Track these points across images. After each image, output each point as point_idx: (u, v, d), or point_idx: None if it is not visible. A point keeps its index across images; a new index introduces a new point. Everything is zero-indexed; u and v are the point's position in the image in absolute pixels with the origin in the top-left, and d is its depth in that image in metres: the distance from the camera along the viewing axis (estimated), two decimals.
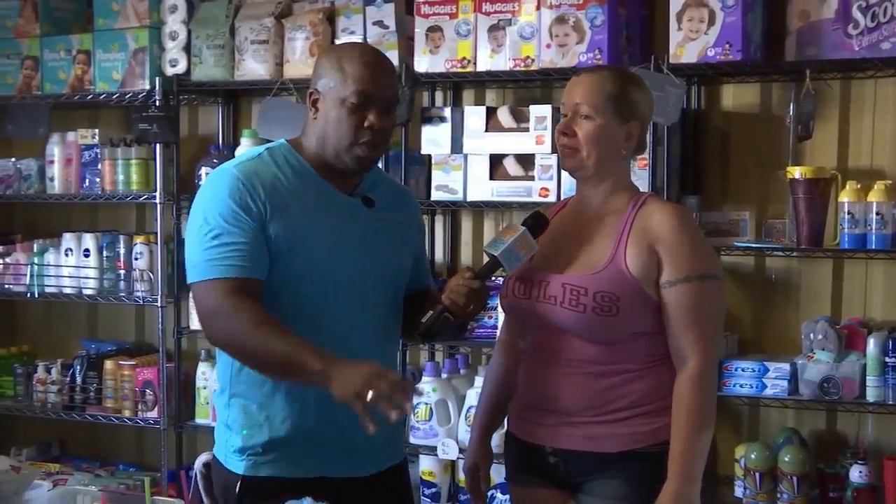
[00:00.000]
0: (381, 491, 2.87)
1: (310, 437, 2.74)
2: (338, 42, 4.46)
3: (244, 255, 2.64)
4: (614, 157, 2.88)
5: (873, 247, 3.87)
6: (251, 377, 2.73)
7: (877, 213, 3.84)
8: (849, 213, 3.88)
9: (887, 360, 3.84)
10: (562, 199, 4.10)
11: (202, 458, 2.77)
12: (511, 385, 3.04)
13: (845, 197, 3.90)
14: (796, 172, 3.94)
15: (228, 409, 2.78)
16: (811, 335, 3.97)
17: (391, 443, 2.93)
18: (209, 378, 4.77)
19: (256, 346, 2.60)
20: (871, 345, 3.87)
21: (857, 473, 3.93)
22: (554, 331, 2.83)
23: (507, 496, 4.27)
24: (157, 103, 4.70)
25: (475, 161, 4.36)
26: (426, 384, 4.40)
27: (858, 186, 3.89)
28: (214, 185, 2.72)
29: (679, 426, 2.74)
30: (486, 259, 2.88)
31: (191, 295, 2.81)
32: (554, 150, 4.17)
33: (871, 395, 3.88)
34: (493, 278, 3.12)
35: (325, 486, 2.72)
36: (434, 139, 4.38)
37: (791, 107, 4.09)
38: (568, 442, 2.85)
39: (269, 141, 4.37)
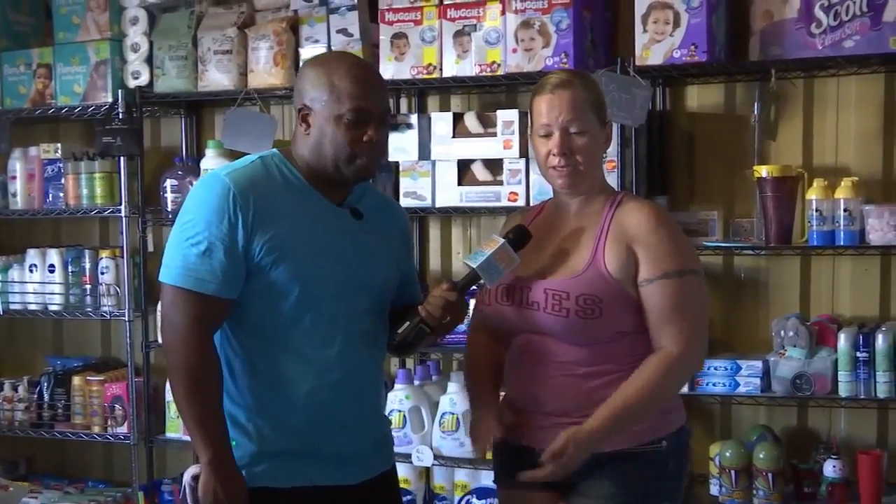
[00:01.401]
0: (372, 498, 2.88)
1: (299, 446, 2.75)
2: (302, 51, 4.46)
3: (220, 274, 2.65)
4: (600, 162, 2.94)
5: (841, 243, 3.91)
6: (239, 386, 2.75)
7: (844, 210, 3.87)
8: (817, 211, 3.90)
9: (858, 355, 3.88)
10: (531, 203, 4.14)
11: (191, 471, 2.76)
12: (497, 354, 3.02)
13: (813, 194, 3.92)
14: (763, 171, 3.97)
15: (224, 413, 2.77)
16: (782, 332, 4.00)
17: (380, 450, 2.94)
18: None
19: (179, 393, 2.70)
20: (842, 340, 3.90)
21: (831, 468, 3.96)
22: (538, 334, 2.84)
23: (483, 502, 4.32)
24: (121, 116, 4.66)
25: (443, 167, 4.36)
26: (399, 391, 4.39)
27: (825, 184, 3.92)
28: (205, 190, 2.71)
29: (630, 390, 2.74)
30: (464, 270, 2.88)
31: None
32: (522, 155, 4.19)
33: (843, 390, 3.91)
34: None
35: (315, 494, 2.75)
36: (401, 146, 4.37)
37: (755, 106, 4.12)
38: None
39: (234, 151, 4.42)
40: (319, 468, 2.78)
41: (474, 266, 2.82)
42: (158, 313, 4.54)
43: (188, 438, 4.64)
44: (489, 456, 3.09)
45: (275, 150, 2.85)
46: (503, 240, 2.84)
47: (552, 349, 2.83)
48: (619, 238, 2.80)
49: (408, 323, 2.82)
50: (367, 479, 2.86)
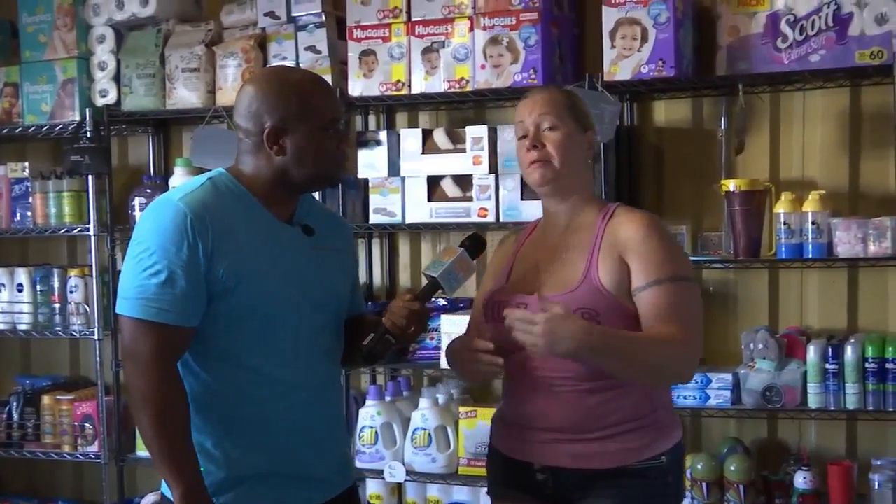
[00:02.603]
0: None
1: (266, 470, 2.73)
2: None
3: (181, 302, 2.59)
4: (581, 165, 2.91)
5: (810, 256, 3.93)
6: (204, 414, 2.70)
7: (812, 223, 3.90)
8: (785, 224, 3.93)
9: (827, 366, 3.91)
10: (500, 219, 4.16)
11: (149, 499, 2.71)
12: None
13: (780, 208, 3.95)
14: (731, 185, 4.00)
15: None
16: (751, 345, 4.02)
17: (343, 467, 2.94)
18: None
19: (146, 427, 2.63)
20: (811, 352, 3.93)
21: (801, 479, 3.97)
22: None
23: None
24: (88, 134, 4.65)
25: (413, 183, 4.37)
26: (370, 407, 4.39)
27: (793, 197, 3.95)
28: (159, 217, 2.64)
29: (646, 340, 2.68)
30: (425, 281, 2.89)
31: None
32: (492, 171, 4.20)
33: (812, 401, 3.94)
34: (434, 299, 3.12)
35: None
36: (370, 163, 4.38)
37: (723, 120, 4.15)
38: (557, 459, 2.83)
39: (203, 170, 4.41)
40: (287, 489, 2.76)
41: (436, 276, 2.84)
42: None
43: None
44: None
45: (221, 169, 2.79)
46: (461, 249, 2.88)
47: (552, 365, 2.78)
48: (611, 250, 2.78)
49: (373, 335, 2.81)
50: (331, 497, 2.86)
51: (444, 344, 4.22)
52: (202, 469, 2.68)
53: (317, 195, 3.11)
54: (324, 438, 2.82)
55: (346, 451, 3.03)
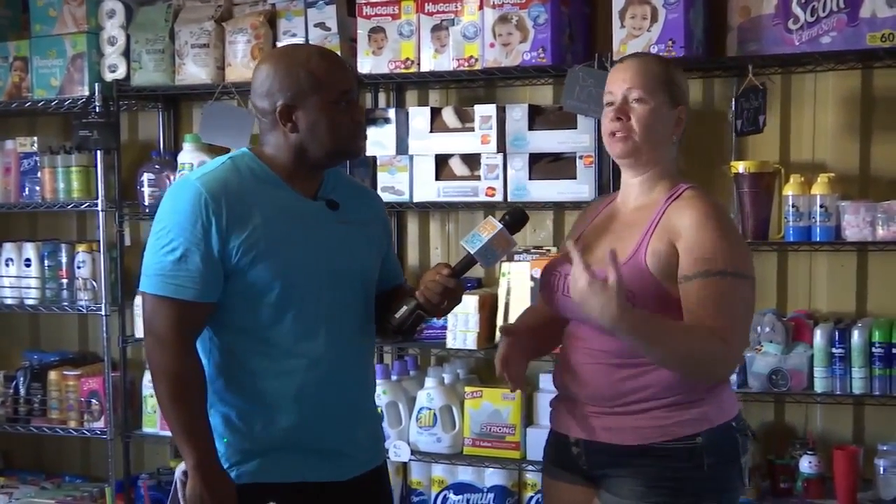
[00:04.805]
0: (362, 494, 2.87)
1: (290, 443, 2.74)
2: (280, 45, 4.43)
3: (197, 278, 2.65)
4: (665, 142, 2.81)
5: (818, 239, 3.91)
6: (229, 385, 2.74)
7: (821, 206, 3.88)
8: (793, 206, 3.91)
9: (834, 350, 3.89)
10: (508, 198, 4.17)
11: (182, 467, 2.74)
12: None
13: (789, 190, 3.93)
14: (740, 167, 3.98)
15: (209, 417, 2.76)
16: (759, 328, 4.00)
17: (371, 446, 2.93)
18: None
19: (164, 400, 2.71)
20: (818, 336, 3.91)
21: (807, 464, 3.96)
22: (580, 321, 2.80)
23: (460, 497, 4.32)
24: (98, 109, 4.65)
25: (421, 162, 4.36)
26: (376, 387, 4.37)
27: (802, 179, 3.93)
28: (177, 197, 2.70)
29: (682, 332, 2.61)
30: (462, 254, 2.86)
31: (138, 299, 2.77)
32: (500, 150, 4.19)
33: (818, 385, 3.92)
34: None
35: (305, 490, 2.76)
36: (379, 141, 4.36)
37: (733, 102, 4.13)
38: (587, 432, 2.81)
39: (212, 146, 4.42)
40: (310, 464, 2.78)
41: (472, 252, 2.81)
42: (136, 307, 4.58)
43: (165, 433, 4.69)
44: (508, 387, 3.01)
45: (244, 149, 2.84)
46: (501, 225, 2.82)
47: (591, 336, 2.77)
48: (664, 233, 2.71)
49: (405, 308, 2.81)
50: (357, 474, 2.85)
51: (452, 323, 4.24)
52: (225, 440, 2.73)
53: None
54: (348, 415, 2.82)
55: (377, 428, 3.01)
